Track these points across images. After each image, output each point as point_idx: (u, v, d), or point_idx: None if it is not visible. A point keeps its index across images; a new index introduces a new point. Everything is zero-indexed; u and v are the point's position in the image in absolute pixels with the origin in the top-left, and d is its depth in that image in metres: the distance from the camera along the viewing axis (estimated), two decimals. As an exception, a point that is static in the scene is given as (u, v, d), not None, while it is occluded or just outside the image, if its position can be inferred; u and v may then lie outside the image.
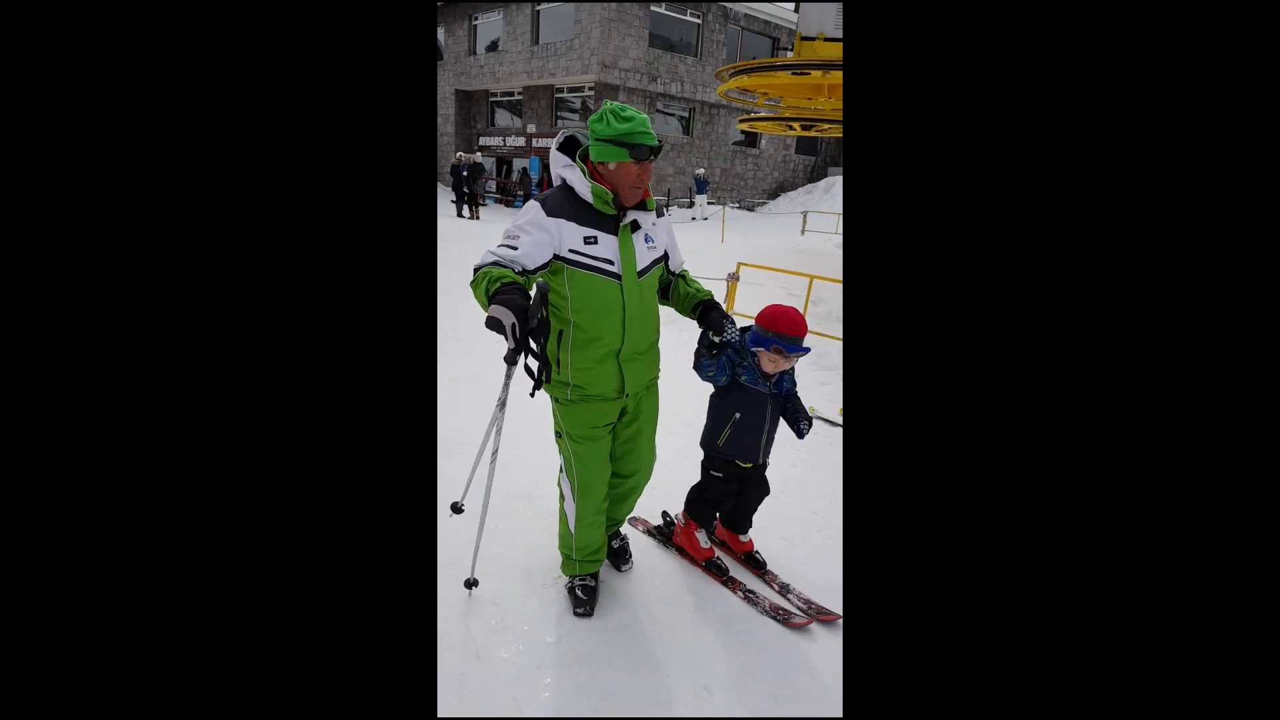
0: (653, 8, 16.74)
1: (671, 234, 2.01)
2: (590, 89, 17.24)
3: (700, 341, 1.99)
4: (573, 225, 1.76)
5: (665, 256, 1.98)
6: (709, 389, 2.13)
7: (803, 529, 2.60)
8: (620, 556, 2.27)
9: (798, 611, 2.03)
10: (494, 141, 19.79)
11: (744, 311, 5.78)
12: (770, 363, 2.01)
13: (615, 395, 1.90)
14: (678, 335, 2.91)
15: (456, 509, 1.87)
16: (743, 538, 2.34)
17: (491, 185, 18.57)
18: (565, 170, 1.81)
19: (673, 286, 2.04)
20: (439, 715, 1.37)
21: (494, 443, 1.89)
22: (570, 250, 1.77)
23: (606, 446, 1.98)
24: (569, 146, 1.85)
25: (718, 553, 2.27)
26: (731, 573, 2.22)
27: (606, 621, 1.97)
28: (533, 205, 1.77)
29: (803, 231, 13.54)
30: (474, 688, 1.65)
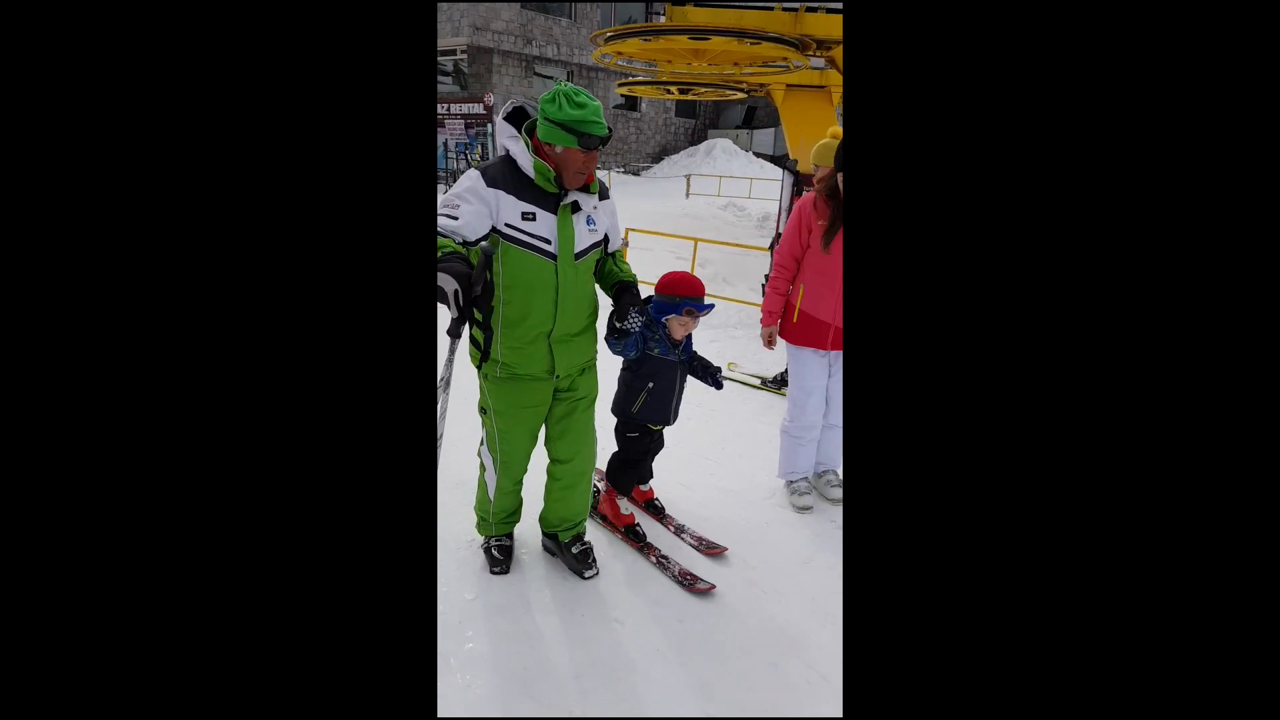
0: (522, -34, 16.21)
1: (614, 215, 1.98)
2: (463, 52, 16.55)
3: (608, 321, 2.01)
4: (511, 199, 1.72)
5: (606, 240, 1.95)
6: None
7: (698, 473, 2.81)
8: (583, 561, 2.10)
9: (701, 577, 2.09)
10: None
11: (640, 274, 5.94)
12: (681, 326, 2.12)
13: (545, 376, 1.89)
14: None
15: None
16: (643, 487, 2.50)
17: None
18: (509, 141, 1.76)
19: (602, 264, 2.01)
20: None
21: (440, 427, 1.71)
22: (507, 224, 1.73)
23: (531, 422, 1.97)
24: (516, 117, 1.79)
25: (637, 518, 2.36)
26: (647, 535, 2.30)
27: (524, 575, 2.08)
28: (472, 173, 1.74)
29: (687, 195, 13.83)
30: None
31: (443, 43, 16.47)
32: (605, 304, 2.01)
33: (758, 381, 3.98)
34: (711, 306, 2.15)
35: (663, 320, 2.11)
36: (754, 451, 3.04)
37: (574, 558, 2.12)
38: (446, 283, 1.52)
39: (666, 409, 2.23)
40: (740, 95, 10.87)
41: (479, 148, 16.53)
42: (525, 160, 1.73)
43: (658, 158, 21.05)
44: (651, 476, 2.51)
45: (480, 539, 2.17)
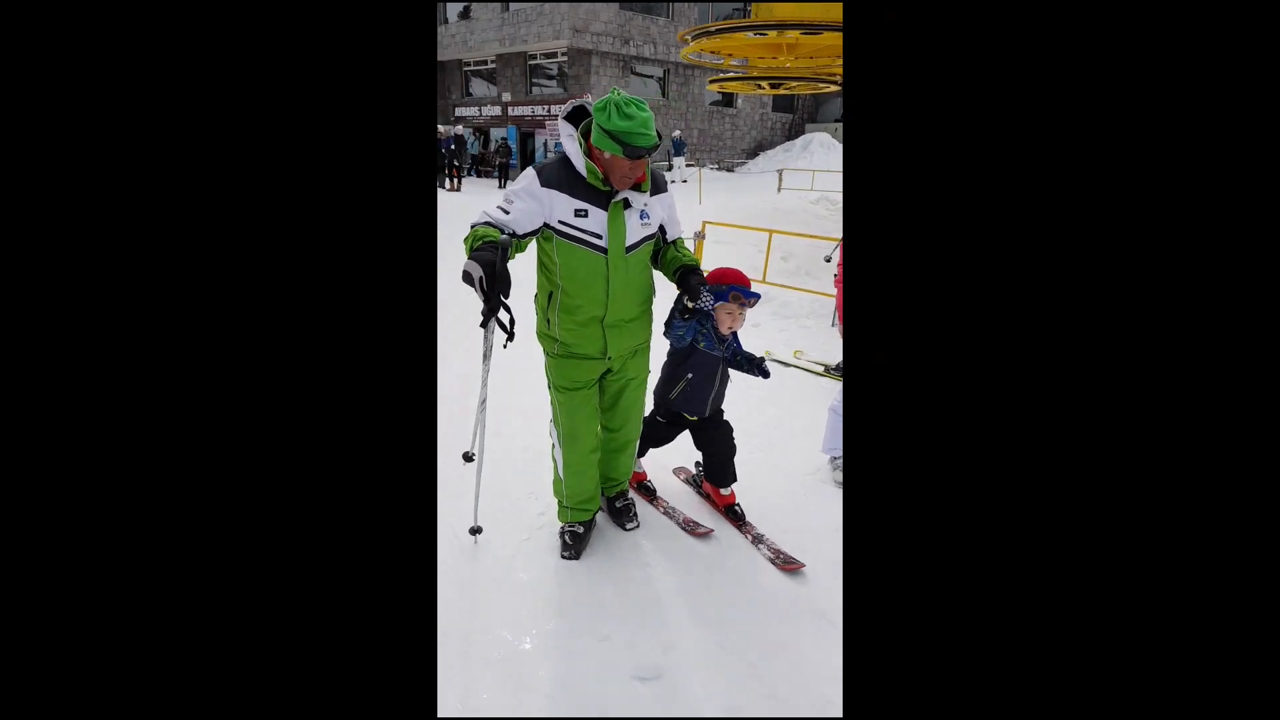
0: (622, -32, 16.61)
1: (672, 208, 2.06)
2: (563, 54, 17.18)
3: (675, 303, 2.07)
4: (564, 197, 1.83)
5: (661, 230, 2.05)
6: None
7: (750, 450, 2.97)
8: (624, 515, 2.36)
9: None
10: (470, 111, 19.72)
11: (709, 267, 6.11)
12: (728, 315, 2.14)
13: (598, 356, 2.03)
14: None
15: (468, 458, 2.11)
16: (724, 491, 2.44)
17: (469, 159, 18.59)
18: (566, 140, 1.86)
19: (663, 253, 2.09)
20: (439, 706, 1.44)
21: (482, 393, 2.06)
22: (560, 221, 1.85)
23: (590, 399, 2.12)
24: (575, 116, 1.90)
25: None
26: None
27: (589, 564, 2.17)
28: (529, 173, 1.87)
29: (779, 190, 13.74)
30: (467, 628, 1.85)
31: (543, 46, 17.17)
32: (664, 290, 2.12)
33: (821, 369, 4.07)
34: (758, 296, 2.16)
35: (711, 310, 2.12)
36: (811, 431, 3.16)
37: (617, 511, 2.39)
38: (474, 269, 1.64)
39: (704, 402, 2.29)
40: (835, 88, 10.73)
41: (576, 147, 17.11)
42: (579, 160, 1.83)
43: (753, 153, 20.94)
44: (734, 480, 2.43)
45: (560, 525, 2.27)
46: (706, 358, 2.22)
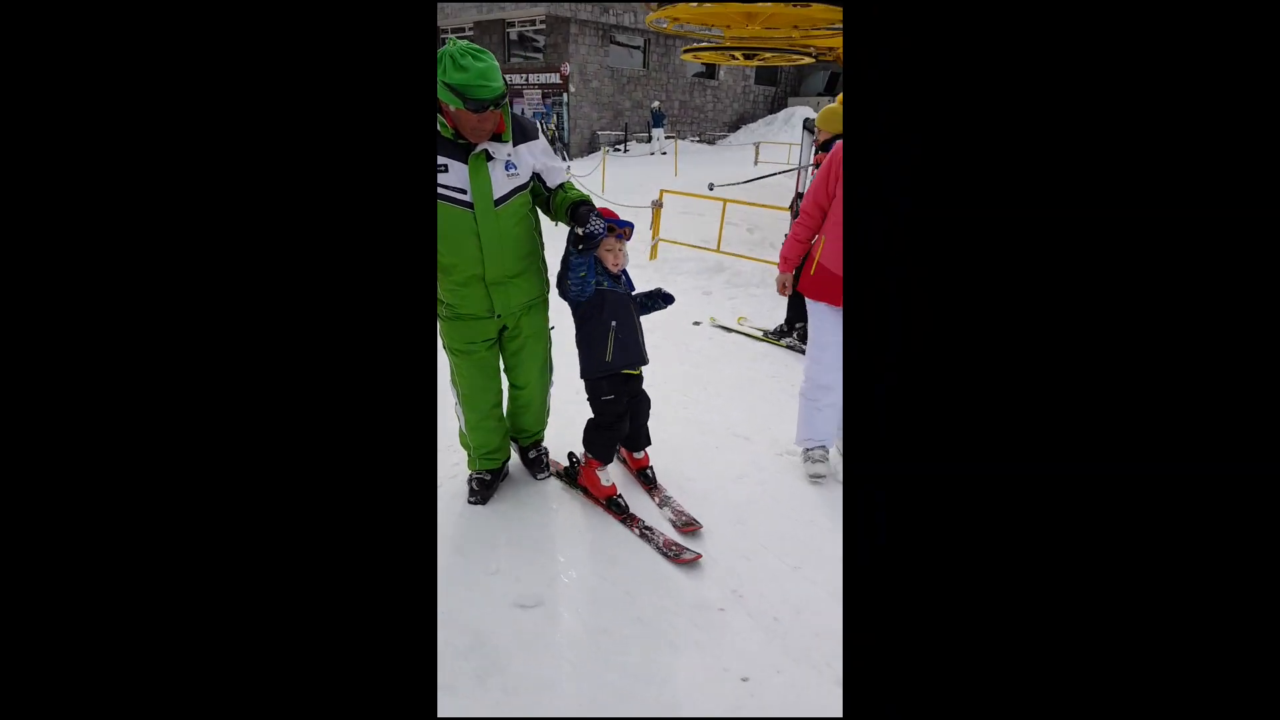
0: (601, -66, 16.32)
1: (546, 153, 2.00)
2: (541, 22, 16.93)
3: (568, 240, 1.99)
4: None
5: (539, 178, 2.00)
6: None
7: (686, 420, 3.08)
8: (535, 465, 2.42)
9: (687, 547, 2.05)
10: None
11: (667, 237, 6.18)
12: (608, 251, 2.06)
13: (487, 315, 2.02)
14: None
15: None
16: (637, 454, 2.44)
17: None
18: None
19: (552, 199, 2.04)
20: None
21: None
22: None
23: (486, 361, 2.12)
24: None
25: (619, 490, 2.30)
26: (630, 505, 2.26)
27: (494, 509, 2.27)
28: None
29: (755, 162, 13.73)
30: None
31: (522, 14, 16.91)
32: (555, 241, 2.12)
33: (760, 334, 4.17)
34: (630, 224, 2.06)
35: (603, 233, 1.98)
36: (750, 398, 3.26)
37: (530, 462, 2.46)
38: None
39: (637, 347, 2.17)
40: (808, 59, 10.68)
41: (554, 117, 16.98)
42: None
43: (735, 126, 20.81)
44: (648, 443, 2.42)
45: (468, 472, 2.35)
46: (617, 297, 2.11)
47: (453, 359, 2.14)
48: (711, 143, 19.58)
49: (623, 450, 2.50)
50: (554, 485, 2.43)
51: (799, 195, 4.58)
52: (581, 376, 2.21)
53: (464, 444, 2.33)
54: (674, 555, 2.02)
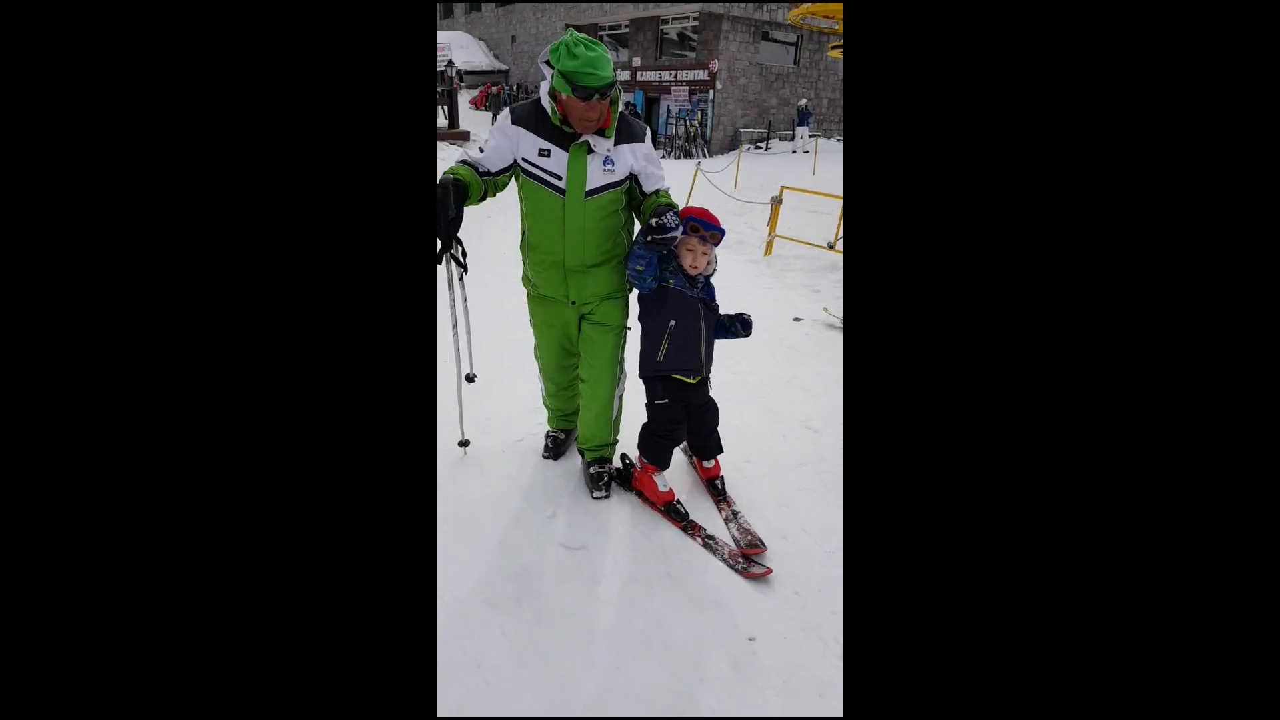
0: (762, -70, 16.23)
1: (649, 159, 2.04)
2: (695, 19, 17.14)
3: (639, 233, 1.97)
4: (531, 135, 1.92)
5: (632, 179, 2.03)
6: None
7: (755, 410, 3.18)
8: (595, 482, 2.29)
9: (756, 561, 2.00)
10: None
11: (785, 234, 6.17)
12: (689, 250, 2.03)
13: (563, 299, 2.12)
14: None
15: (470, 378, 2.38)
16: (707, 463, 2.37)
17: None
18: (544, 82, 1.89)
19: (644, 203, 2.06)
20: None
21: (452, 318, 2.21)
22: (524, 159, 1.95)
23: (561, 342, 2.27)
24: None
25: (678, 496, 2.24)
26: (693, 514, 2.20)
27: (553, 538, 2.41)
28: (505, 112, 1.99)
29: (902, 164, 13.12)
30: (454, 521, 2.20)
31: (677, 10, 17.21)
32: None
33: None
34: (721, 231, 2.05)
35: (674, 229, 1.92)
36: (832, 395, 3.29)
37: (590, 476, 2.32)
38: None
39: (696, 354, 2.10)
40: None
41: (699, 114, 17.17)
42: (545, 101, 1.90)
43: (887, 126, 19.86)
44: (719, 451, 2.34)
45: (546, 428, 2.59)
46: (681, 297, 2.05)
47: (535, 333, 2.31)
48: (859, 142, 18.83)
49: (694, 458, 2.45)
50: (600, 512, 2.29)
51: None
52: (640, 376, 2.19)
53: (545, 404, 2.55)
54: (742, 569, 1.96)
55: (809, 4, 7.07)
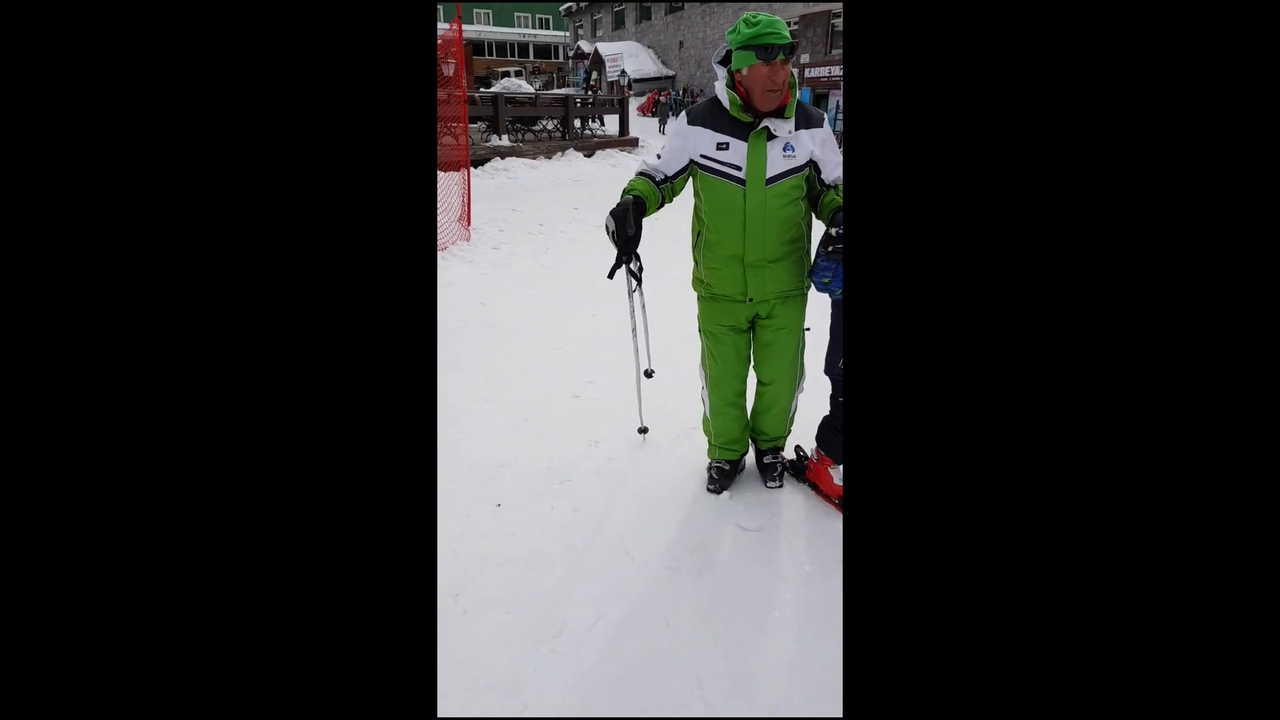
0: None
1: (829, 145, 2.01)
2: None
3: (820, 242, 1.93)
4: (708, 132, 1.95)
5: (812, 166, 2.02)
6: None
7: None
8: (769, 472, 2.37)
9: None
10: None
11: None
12: None
13: (740, 298, 2.07)
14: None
15: (649, 374, 2.55)
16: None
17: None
18: (718, 82, 1.97)
19: (823, 195, 2.03)
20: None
21: (632, 322, 2.40)
22: (703, 155, 1.97)
23: (736, 347, 2.19)
24: (726, 59, 1.97)
25: None
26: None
27: (729, 519, 2.34)
28: (681, 115, 2.05)
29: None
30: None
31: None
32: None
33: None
34: None
35: None
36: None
37: (763, 467, 2.41)
38: (609, 223, 1.95)
39: None
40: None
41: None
42: (723, 94, 1.94)
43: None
44: None
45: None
46: None
47: (705, 341, 2.24)
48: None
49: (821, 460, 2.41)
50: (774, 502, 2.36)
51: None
52: (825, 373, 2.16)
53: (706, 430, 2.39)
54: None
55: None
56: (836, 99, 17.10)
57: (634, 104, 21.17)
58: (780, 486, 2.36)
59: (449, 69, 7.28)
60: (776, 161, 1.95)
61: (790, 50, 1.84)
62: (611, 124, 14.86)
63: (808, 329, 2.25)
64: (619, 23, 30.86)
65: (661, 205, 2.08)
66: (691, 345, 2.75)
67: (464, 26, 6.91)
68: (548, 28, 44.89)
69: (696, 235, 2.12)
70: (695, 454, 2.58)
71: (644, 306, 2.39)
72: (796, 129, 1.96)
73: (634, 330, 2.44)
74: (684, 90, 23.28)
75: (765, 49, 1.81)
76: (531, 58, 42.80)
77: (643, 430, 2.70)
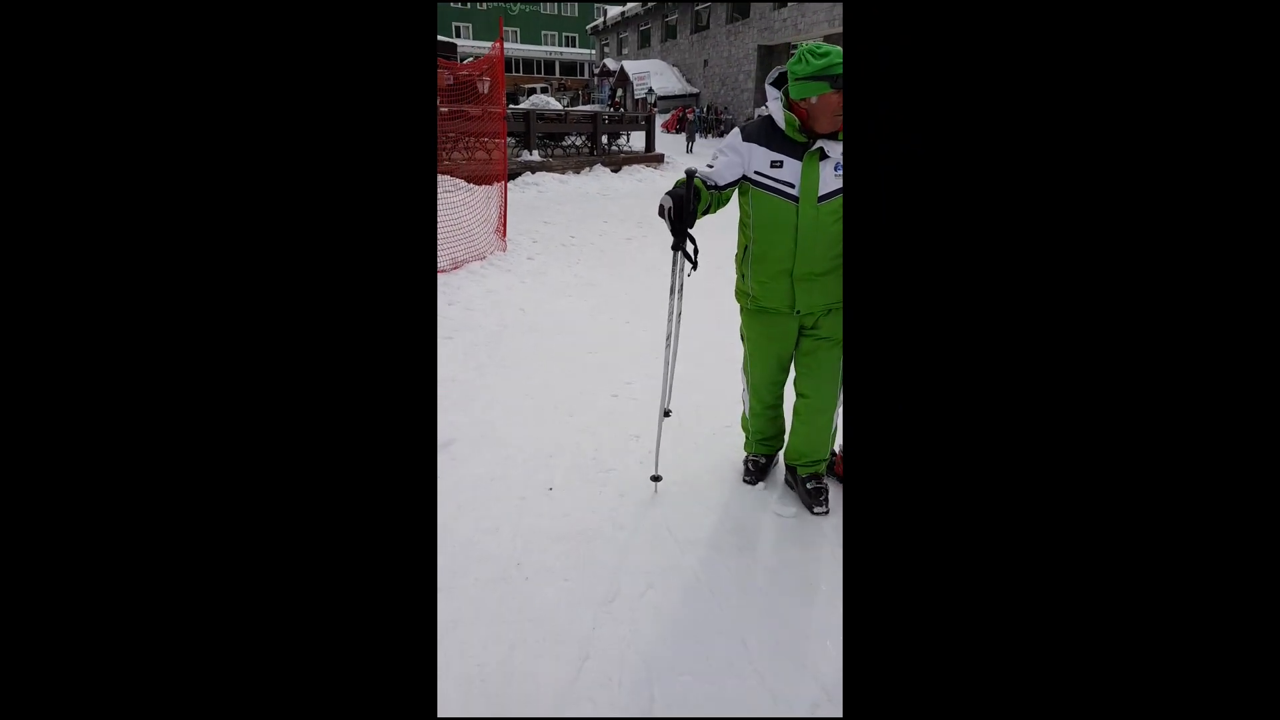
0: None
1: None
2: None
3: None
4: (762, 149, 2.05)
5: None
6: None
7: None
8: (814, 497, 2.32)
9: None
10: (792, 94, 20.29)
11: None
12: None
13: (787, 310, 2.16)
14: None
15: (667, 414, 2.42)
16: None
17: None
18: (772, 101, 2.06)
19: None
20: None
21: (667, 328, 2.28)
22: (757, 172, 2.07)
23: (777, 357, 2.28)
24: (779, 81, 2.08)
25: None
26: None
27: (766, 507, 2.38)
28: (735, 130, 2.13)
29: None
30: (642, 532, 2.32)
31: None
32: None
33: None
34: None
35: None
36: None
37: (807, 493, 2.35)
38: (665, 201, 1.95)
39: None
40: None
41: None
42: (779, 114, 2.03)
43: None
44: None
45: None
46: None
47: (748, 348, 2.34)
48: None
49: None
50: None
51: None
52: None
53: (744, 427, 2.54)
54: None
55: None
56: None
57: (659, 120, 21.55)
58: (827, 513, 2.29)
59: (485, 86, 7.59)
60: (829, 180, 2.04)
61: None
62: (638, 140, 15.16)
63: None
64: (644, 41, 31.41)
65: (709, 211, 2.10)
66: (725, 343, 2.87)
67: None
68: (574, 45, 45.76)
69: (744, 249, 2.21)
70: (731, 450, 2.74)
71: (680, 315, 2.27)
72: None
73: (668, 338, 2.32)
74: (708, 108, 23.63)
75: (837, 78, 1.91)
76: (558, 74, 43.61)
77: (655, 479, 2.48)
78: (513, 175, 10.19)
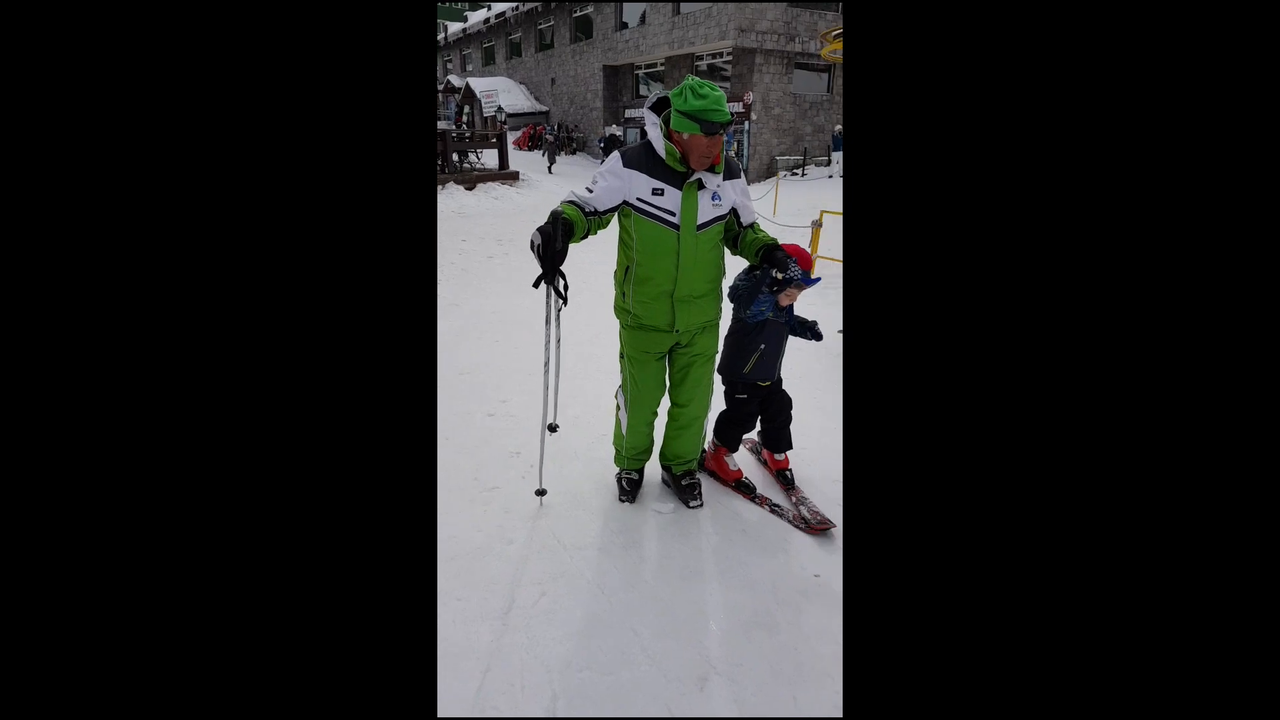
0: (790, -33, 16.89)
1: (745, 193, 2.25)
2: (728, 55, 17.83)
3: (760, 280, 2.25)
4: (644, 177, 2.08)
5: (734, 213, 2.24)
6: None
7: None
8: (689, 493, 2.51)
9: (818, 519, 2.37)
10: (638, 113, 20.98)
11: (825, 254, 6.57)
12: (787, 297, 2.35)
13: (667, 329, 2.25)
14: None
15: (553, 429, 2.48)
16: (778, 456, 2.68)
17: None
18: (650, 127, 2.09)
19: (741, 237, 2.28)
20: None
21: (545, 354, 2.31)
22: (638, 199, 2.09)
23: (657, 371, 2.38)
24: (659, 106, 2.11)
25: (745, 473, 2.65)
26: (759, 489, 2.60)
27: (645, 507, 2.54)
28: (615, 155, 2.12)
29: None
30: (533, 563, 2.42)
31: (710, 46, 17.94)
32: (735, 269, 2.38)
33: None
34: (818, 279, 2.48)
35: (801, 279, 2.28)
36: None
37: (683, 489, 2.56)
38: (535, 238, 1.93)
39: (774, 367, 2.52)
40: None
41: (734, 145, 17.76)
42: (659, 143, 2.07)
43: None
44: (789, 447, 2.69)
45: (616, 469, 2.65)
46: (776, 326, 2.45)
47: (629, 366, 2.40)
48: (894, 164, 19.10)
49: (765, 451, 2.78)
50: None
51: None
52: (719, 371, 2.50)
53: (617, 444, 2.59)
54: (806, 527, 2.36)
55: (838, 40, 7.55)
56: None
57: (510, 138, 21.48)
58: (701, 506, 2.50)
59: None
60: (706, 209, 2.14)
61: (729, 126, 2.02)
62: (490, 158, 15.04)
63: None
64: (489, 58, 31.14)
65: (587, 236, 2.14)
66: (598, 355, 3.00)
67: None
68: (415, 60, 44.09)
69: (624, 270, 2.26)
70: (609, 458, 2.88)
71: (559, 341, 2.36)
72: (724, 180, 2.18)
73: (545, 364, 2.36)
74: (559, 125, 23.89)
75: (709, 124, 1.97)
76: (399, 90, 41.79)
77: (540, 493, 2.54)
78: (361, 196, 9.73)
